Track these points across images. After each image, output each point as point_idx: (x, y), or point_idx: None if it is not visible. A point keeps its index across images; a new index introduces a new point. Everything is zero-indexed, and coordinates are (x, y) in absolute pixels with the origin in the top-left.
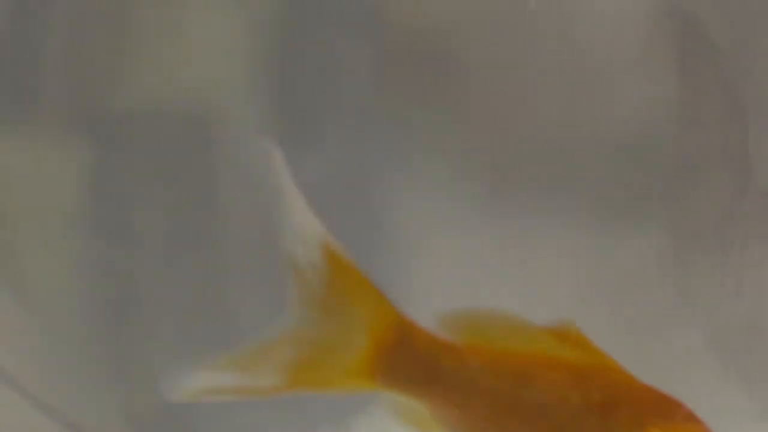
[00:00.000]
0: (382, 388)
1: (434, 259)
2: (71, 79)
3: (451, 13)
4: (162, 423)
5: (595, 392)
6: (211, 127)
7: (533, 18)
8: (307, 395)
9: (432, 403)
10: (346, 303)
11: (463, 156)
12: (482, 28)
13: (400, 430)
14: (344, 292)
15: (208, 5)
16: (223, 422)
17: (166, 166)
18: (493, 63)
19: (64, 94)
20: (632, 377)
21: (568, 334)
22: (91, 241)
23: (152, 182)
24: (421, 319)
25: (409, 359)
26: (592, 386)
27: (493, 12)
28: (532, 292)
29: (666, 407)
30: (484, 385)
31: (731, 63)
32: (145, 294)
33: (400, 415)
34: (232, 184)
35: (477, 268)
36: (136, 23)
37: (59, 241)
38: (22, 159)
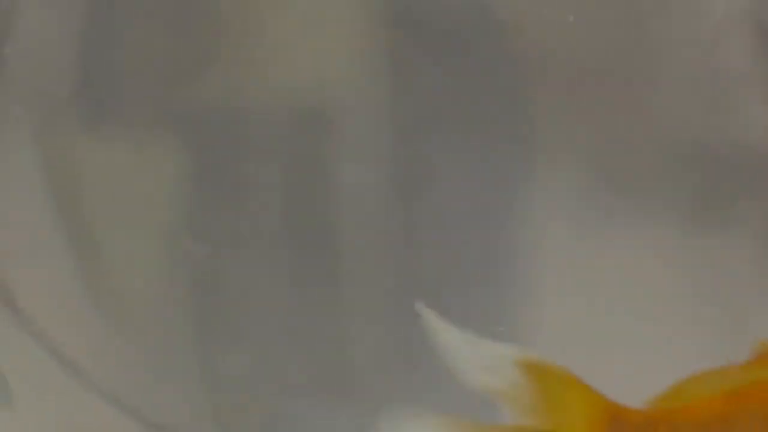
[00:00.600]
0: None
1: (542, 260)
2: (165, 76)
3: (557, 14)
4: (248, 427)
5: None
6: (323, 125)
7: (621, 20)
8: None
9: None
10: (557, 403)
11: (563, 158)
12: (583, 30)
13: None
14: (552, 394)
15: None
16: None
17: (271, 166)
18: (589, 66)
19: (159, 93)
20: None
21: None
22: (187, 244)
23: (257, 184)
24: (542, 321)
25: None
26: None
27: (589, 13)
28: (630, 293)
29: None
30: None
31: None
32: (242, 300)
33: None
34: (345, 186)
35: (580, 270)
36: (238, 18)
37: (150, 244)
38: (115, 159)
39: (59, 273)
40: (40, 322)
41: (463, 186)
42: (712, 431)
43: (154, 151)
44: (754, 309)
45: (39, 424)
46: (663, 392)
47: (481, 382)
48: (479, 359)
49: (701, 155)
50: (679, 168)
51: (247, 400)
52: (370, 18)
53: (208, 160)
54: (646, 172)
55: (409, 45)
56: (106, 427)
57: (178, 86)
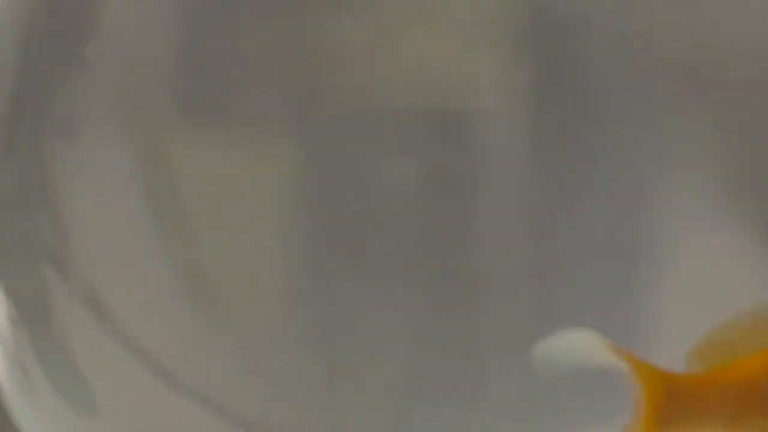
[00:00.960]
0: None
1: (678, 261)
2: (283, 72)
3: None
4: None
5: None
6: (456, 127)
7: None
8: None
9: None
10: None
11: (687, 161)
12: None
13: None
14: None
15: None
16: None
17: (401, 172)
18: (710, 67)
19: (274, 91)
20: None
21: None
22: (305, 254)
23: (384, 189)
24: (673, 315)
25: (682, 407)
26: None
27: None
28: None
29: None
30: (752, 396)
31: None
32: (364, 321)
33: None
34: (480, 188)
35: (718, 271)
36: (367, 11)
37: (261, 253)
38: (222, 160)
39: (151, 274)
40: (129, 325)
41: (598, 188)
42: (762, 385)
43: (268, 151)
44: None
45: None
46: (703, 341)
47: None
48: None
49: None
50: None
51: (365, 400)
52: (506, 18)
53: (330, 162)
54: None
55: (545, 47)
56: (195, 429)
57: (296, 84)
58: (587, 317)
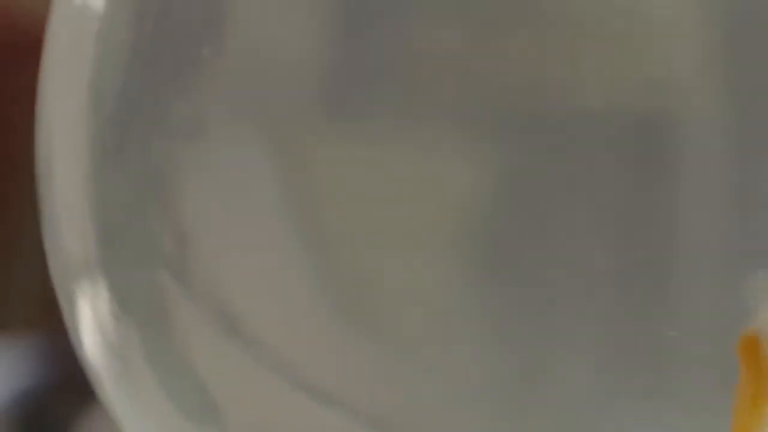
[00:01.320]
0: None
1: None
2: (455, 68)
3: None
4: None
5: None
6: (663, 131)
7: None
8: None
9: None
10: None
11: None
12: None
13: None
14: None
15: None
16: None
17: (605, 180)
18: None
19: (467, 93)
20: None
21: None
22: (494, 272)
23: (586, 201)
24: None
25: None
26: None
27: None
28: None
29: None
30: None
31: None
32: (559, 346)
33: None
34: (681, 192)
35: None
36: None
37: (443, 271)
38: (408, 168)
39: (284, 281)
40: (258, 334)
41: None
42: None
43: (431, 151)
44: None
45: None
46: None
47: None
48: None
49: None
50: None
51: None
52: (710, 18)
53: (515, 167)
54: None
55: (739, 44)
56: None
57: (469, 80)
58: None
